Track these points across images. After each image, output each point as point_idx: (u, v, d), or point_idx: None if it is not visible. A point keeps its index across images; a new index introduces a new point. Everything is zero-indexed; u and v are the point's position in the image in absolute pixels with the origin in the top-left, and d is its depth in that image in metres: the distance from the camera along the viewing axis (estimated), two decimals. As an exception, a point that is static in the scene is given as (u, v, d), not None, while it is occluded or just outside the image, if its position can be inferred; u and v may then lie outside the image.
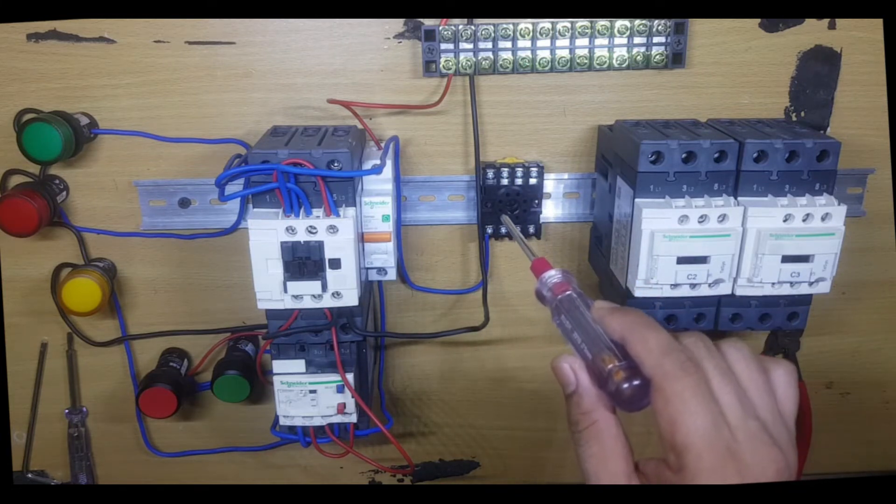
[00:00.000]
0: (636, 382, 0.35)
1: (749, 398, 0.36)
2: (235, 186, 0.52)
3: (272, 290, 0.52)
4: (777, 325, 0.56)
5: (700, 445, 0.33)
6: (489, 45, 0.58)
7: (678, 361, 0.35)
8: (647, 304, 0.55)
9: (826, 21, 0.59)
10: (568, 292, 0.42)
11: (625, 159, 0.55)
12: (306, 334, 0.55)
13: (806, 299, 0.55)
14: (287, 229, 0.50)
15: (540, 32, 0.57)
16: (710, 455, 0.33)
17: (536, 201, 0.62)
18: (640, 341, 0.36)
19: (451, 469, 0.74)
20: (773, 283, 0.54)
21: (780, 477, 0.34)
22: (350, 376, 0.56)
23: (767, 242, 0.52)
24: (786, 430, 0.36)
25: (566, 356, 0.39)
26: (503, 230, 0.63)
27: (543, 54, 0.58)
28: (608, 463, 0.37)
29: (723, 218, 0.52)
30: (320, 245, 0.51)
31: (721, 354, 0.37)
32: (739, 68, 0.60)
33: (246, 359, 0.65)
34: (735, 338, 0.39)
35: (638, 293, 0.54)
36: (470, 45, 0.58)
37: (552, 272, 0.43)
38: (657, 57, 0.59)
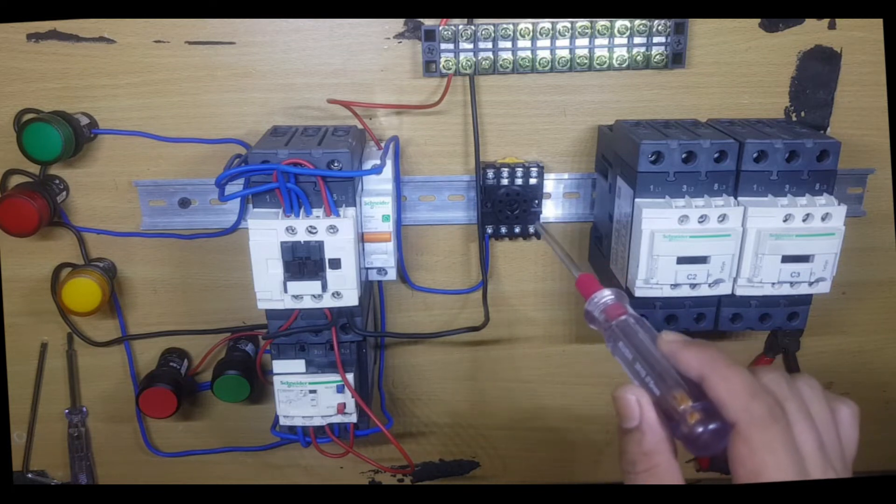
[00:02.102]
0: (714, 426, 0.32)
1: (824, 443, 0.35)
2: (235, 186, 0.52)
3: (272, 290, 0.52)
4: (777, 325, 0.56)
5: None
6: (489, 45, 0.58)
7: (766, 406, 0.33)
8: (647, 304, 0.55)
9: (826, 21, 0.59)
10: (624, 316, 0.39)
11: (625, 159, 0.55)
12: (306, 334, 0.55)
13: (806, 299, 0.55)
14: (287, 229, 0.50)
15: (540, 32, 0.57)
16: None
17: (536, 201, 0.62)
18: (722, 380, 0.33)
19: (451, 469, 0.74)
20: (773, 283, 0.54)
21: None
22: (350, 376, 0.56)
23: (767, 242, 0.52)
24: (848, 472, 0.35)
25: (631, 387, 0.35)
26: (503, 230, 0.63)
27: (543, 54, 0.58)
28: None
29: (723, 218, 0.52)
30: (320, 245, 0.51)
31: (798, 392, 0.36)
32: (739, 68, 0.60)
33: (246, 359, 0.65)
34: (806, 373, 0.37)
35: (638, 293, 0.54)
36: (470, 45, 0.58)
37: (604, 292, 0.40)
38: (657, 57, 0.59)
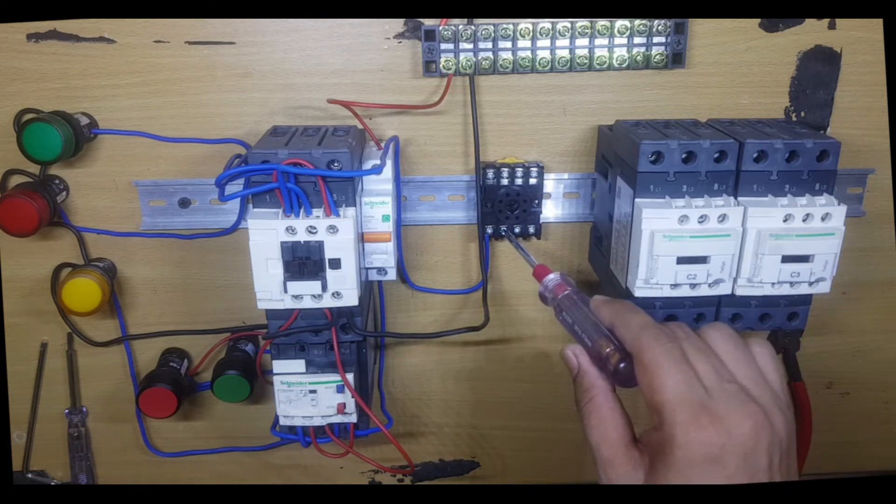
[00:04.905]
0: (629, 361, 0.40)
1: (728, 369, 0.39)
2: (235, 186, 0.52)
3: (272, 290, 0.52)
4: (777, 325, 0.56)
5: (674, 401, 0.36)
6: (489, 45, 0.58)
7: (653, 334, 0.39)
8: (647, 304, 0.55)
9: (826, 21, 0.59)
10: (567, 291, 0.48)
11: (625, 159, 0.55)
12: (306, 334, 0.55)
13: (806, 299, 0.55)
14: (287, 229, 0.50)
15: (540, 32, 0.57)
16: (685, 409, 0.36)
17: (536, 201, 0.62)
18: (622, 324, 0.41)
19: (451, 469, 0.74)
20: (773, 283, 0.54)
21: (759, 431, 0.36)
22: (350, 376, 0.56)
23: (767, 242, 0.52)
24: (770, 393, 0.38)
25: (570, 345, 0.43)
26: (503, 230, 0.63)
27: (543, 54, 0.58)
28: (606, 432, 0.40)
29: (723, 218, 0.52)
30: (320, 245, 0.51)
31: (701, 337, 0.41)
32: (739, 68, 0.60)
33: (246, 359, 0.65)
34: (717, 321, 0.41)
35: (638, 293, 0.54)
36: (470, 45, 0.58)
37: (551, 276, 0.50)
38: (657, 57, 0.59)
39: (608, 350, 0.41)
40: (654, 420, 0.37)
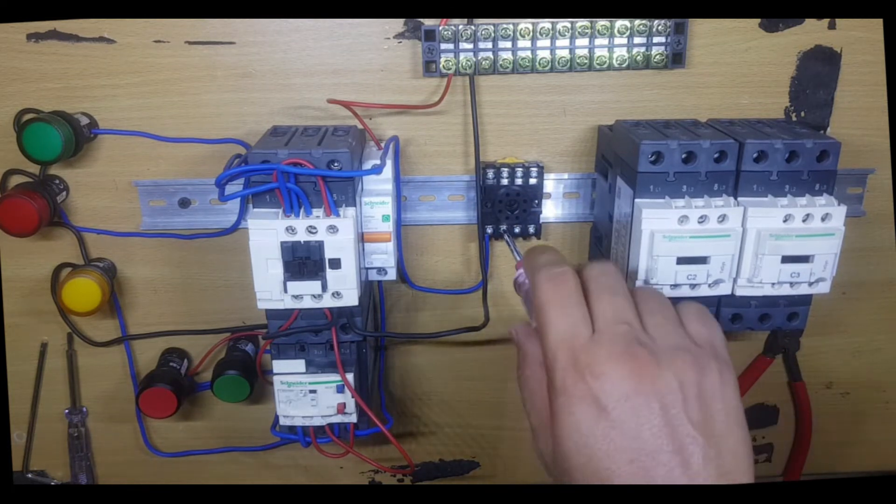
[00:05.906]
0: None
1: (631, 310, 0.37)
2: (235, 186, 0.52)
3: (272, 290, 0.52)
4: (777, 325, 0.56)
5: (555, 346, 0.36)
6: (489, 45, 0.58)
7: (547, 275, 0.38)
8: (647, 305, 0.55)
9: (826, 21, 0.59)
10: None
11: (625, 159, 0.55)
12: (306, 334, 0.56)
13: (806, 299, 0.55)
14: (287, 229, 0.50)
15: (540, 32, 0.57)
16: (565, 353, 0.35)
17: (536, 201, 0.62)
18: (528, 270, 0.40)
19: (451, 469, 0.74)
20: (773, 284, 0.54)
21: (640, 372, 0.34)
22: (350, 376, 0.56)
23: (767, 243, 0.52)
24: (680, 338, 0.36)
25: (514, 325, 0.43)
26: (503, 230, 0.63)
27: (543, 54, 0.58)
28: (534, 403, 0.40)
29: (723, 218, 0.52)
30: (320, 245, 0.51)
31: (633, 293, 0.39)
32: (739, 68, 0.60)
33: (246, 359, 0.65)
34: (647, 288, 0.40)
35: (638, 293, 0.54)
36: (470, 45, 0.58)
37: (520, 270, 0.48)
38: (657, 57, 0.59)
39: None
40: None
